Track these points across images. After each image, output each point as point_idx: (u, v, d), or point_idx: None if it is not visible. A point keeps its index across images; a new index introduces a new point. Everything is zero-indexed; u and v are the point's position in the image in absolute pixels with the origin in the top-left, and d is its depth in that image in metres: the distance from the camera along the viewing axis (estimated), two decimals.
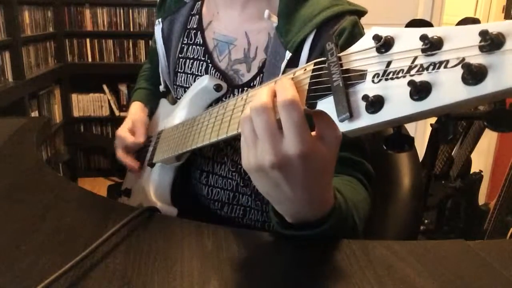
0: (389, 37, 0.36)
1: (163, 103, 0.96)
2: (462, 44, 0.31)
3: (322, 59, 0.43)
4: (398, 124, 0.37)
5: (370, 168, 0.71)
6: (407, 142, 0.38)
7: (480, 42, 0.30)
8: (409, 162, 0.91)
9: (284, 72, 0.68)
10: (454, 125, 0.35)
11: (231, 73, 0.78)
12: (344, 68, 0.40)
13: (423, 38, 0.33)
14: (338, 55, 0.41)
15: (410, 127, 2.78)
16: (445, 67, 0.32)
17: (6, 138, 0.98)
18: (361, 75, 0.38)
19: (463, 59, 0.31)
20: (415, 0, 2.86)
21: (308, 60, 0.69)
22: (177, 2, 0.88)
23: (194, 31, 0.84)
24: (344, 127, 0.39)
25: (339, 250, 0.53)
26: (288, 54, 0.70)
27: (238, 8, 0.78)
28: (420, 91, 0.33)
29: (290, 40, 0.70)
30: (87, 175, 3.18)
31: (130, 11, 3.03)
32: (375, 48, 0.37)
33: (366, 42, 0.38)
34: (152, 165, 0.84)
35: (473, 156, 1.95)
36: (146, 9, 3.05)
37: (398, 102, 0.34)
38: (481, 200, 2.10)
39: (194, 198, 0.85)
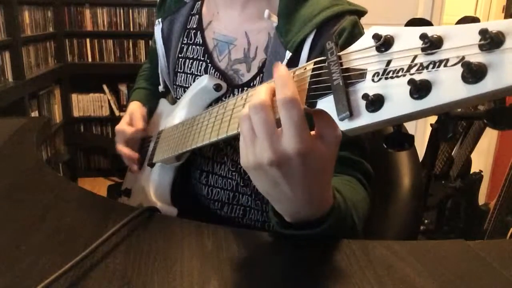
0: (388, 36, 0.36)
1: (163, 103, 0.96)
2: (462, 43, 0.31)
3: (322, 58, 0.43)
4: (398, 123, 0.37)
5: (369, 168, 0.71)
6: (407, 141, 0.38)
7: (480, 40, 0.30)
8: (409, 162, 0.91)
9: None
10: (454, 124, 0.35)
11: (231, 73, 0.78)
12: (344, 67, 0.40)
13: (423, 37, 0.33)
14: (338, 54, 0.41)
15: (410, 127, 2.79)
16: (445, 65, 0.32)
17: (6, 138, 0.98)
18: (361, 74, 0.38)
19: (463, 57, 0.31)
20: (415, 0, 2.86)
21: (308, 60, 0.69)
22: (177, 2, 0.88)
23: (194, 31, 0.84)
24: (344, 126, 0.39)
25: (339, 250, 0.53)
26: (288, 54, 0.70)
27: (238, 8, 0.78)
28: (420, 89, 0.33)
29: (290, 40, 0.70)
30: (87, 175, 3.19)
31: (130, 11, 3.04)
32: (375, 47, 0.37)
33: (366, 41, 0.38)
34: (152, 165, 0.84)
35: (473, 156, 1.95)
36: (146, 9, 3.05)
37: (398, 101, 0.34)
38: (481, 200, 2.10)
39: (194, 198, 0.85)
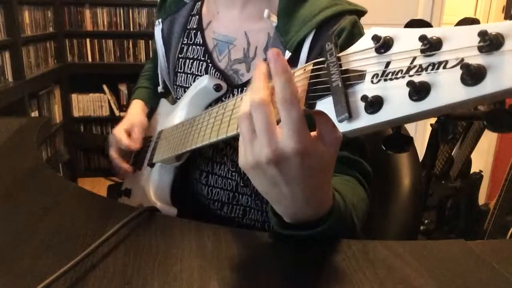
0: (388, 37, 0.36)
1: (163, 103, 0.96)
2: (461, 44, 0.31)
3: (321, 59, 0.43)
4: (397, 125, 0.37)
5: (368, 168, 0.71)
6: (406, 143, 0.38)
7: (479, 42, 0.30)
8: (409, 162, 0.91)
9: None
10: (454, 125, 0.35)
11: (230, 73, 0.78)
12: (343, 68, 0.40)
13: (422, 38, 0.33)
14: (337, 55, 0.41)
15: (410, 127, 2.79)
16: (444, 67, 0.32)
17: (6, 138, 0.98)
18: (360, 76, 0.38)
19: (462, 59, 0.31)
20: (415, 0, 2.86)
21: (307, 60, 0.69)
22: (177, 3, 0.88)
23: (194, 31, 0.84)
24: (343, 127, 0.39)
25: (339, 250, 0.53)
26: (287, 54, 0.70)
27: (238, 8, 0.78)
28: (419, 91, 0.33)
29: (289, 40, 0.70)
30: (87, 175, 3.19)
31: (130, 11, 3.04)
32: (374, 49, 0.37)
33: (365, 42, 0.38)
34: (152, 165, 0.84)
35: (473, 156, 1.95)
36: (146, 9, 3.05)
37: (397, 103, 0.34)
38: (481, 200, 2.10)
39: (194, 198, 0.85)
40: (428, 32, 0.33)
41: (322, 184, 0.48)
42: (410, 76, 0.34)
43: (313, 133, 0.45)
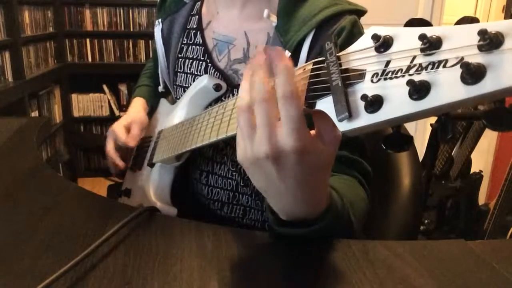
0: (388, 36, 0.36)
1: (163, 102, 0.96)
2: (461, 43, 0.31)
3: (321, 58, 0.43)
4: (397, 124, 0.37)
5: (368, 168, 0.71)
6: (406, 142, 0.38)
7: (479, 41, 0.30)
8: (409, 162, 0.91)
9: None
10: (454, 124, 0.35)
11: (230, 72, 0.78)
12: (343, 67, 0.40)
13: (422, 37, 0.33)
14: (337, 54, 0.41)
15: (410, 127, 2.79)
16: (444, 66, 0.32)
17: (6, 138, 0.98)
18: (360, 75, 0.38)
19: (462, 58, 0.31)
20: (415, 0, 2.86)
21: (307, 60, 0.69)
22: (176, 3, 0.89)
23: (194, 31, 0.84)
24: (343, 126, 0.39)
25: (339, 250, 0.53)
26: (287, 54, 0.70)
27: (238, 8, 0.78)
28: (419, 90, 0.33)
29: (289, 40, 0.70)
30: (87, 175, 3.19)
31: (130, 11, 3.04)
32: (374, 48, 0.37)
33: (365, 41, 0.38)
34: (152, 165, 0.84)
35: (473, 156, 1.95)
36: (146, 9, 3.05)
37: (397, 102, 0.34)
38: (481, 200, 2.10)
39: (194, 198, 0.85)
40: (428, 31, 0.33)
41: (320, 183, 0.48)
42: (410, 75, 0.34)
43: (312, 132, 0.45)
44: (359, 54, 0.39)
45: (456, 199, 1.95)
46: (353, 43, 0.40)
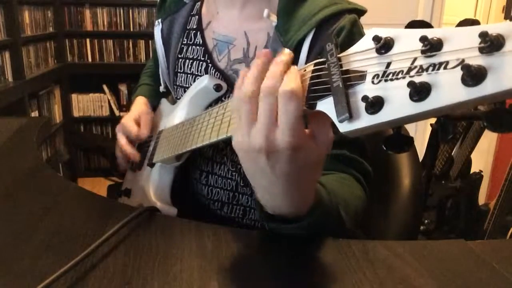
0: (389, 38, 0.36)
1: (163, 103, 0.96)
2: (461, 45, 0.31)
3: (322, 59, 0.43)
4: (398, 125, 0.37)
5: (368, 167, 0.71)
6: (407, 143, 0.38)
7: (480, 43, 0.30)
8: (409, 162, 0.91)
9: None
10: (454, 125, 0.35)
11: (230, 73, 0.78)
12: (344, 69, 0.40)
13: (423, 39, 0.33)
14: (338, 56, 0.41)
15: (410, 127, 2.79)
16: (445, 68, 0.32)
17: (6, 138, 0.98)
18: (361, 76, 0.38)
19: (463, 60, 0.31)
20: (415, 0, 2.86)
21: (307, 59, 0.69)
22: (176, 3, 0.88)
23: (194, 31, 0.84)
24: (343, 127, 0.39)
25: (339, 250, 0.53)
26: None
27: (238, 8, 0.78)
28: (419, 92, 0.33)
29: (289, 39, 0.70)
30: (87, 175, 3.19)
31: (130, 11, 3.04)
32: (374, 49, 0.37)
33: (365, 43, 0.38)
34: (152, 165, 0.84)
35: (473, 156, 1.96)
36: (146, 9, 3.05)
37: (398, 103, 0.34)
38: (481, 200, 2.10)
39: (194, 198, 0.85)
40: (429, 33, 0.33)
41: (308, 180, 0.49)
42: (411, 76, 0.34)
43: (306, 131, 0.45)
44: (360, 55, 0.39)
45: (456, 199, 1.95)
46: (353, 42, 0.40)
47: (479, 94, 0.30)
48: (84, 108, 3.14)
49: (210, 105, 0.78)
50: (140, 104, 0.95)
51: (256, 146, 0.44)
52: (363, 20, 0.74)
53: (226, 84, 0.77)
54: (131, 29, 3.07)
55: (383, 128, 0.37)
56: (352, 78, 0.38)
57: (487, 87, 0.29)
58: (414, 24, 0.36)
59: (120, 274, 0.48)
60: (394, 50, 0.36)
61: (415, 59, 0.34)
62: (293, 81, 0.42)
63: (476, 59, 0.30)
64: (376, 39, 0.37)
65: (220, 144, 0.79)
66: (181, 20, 0.87)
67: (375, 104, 0.35)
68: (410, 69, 0.34)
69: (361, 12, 0.73)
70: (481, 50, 0.30)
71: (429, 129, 1.53)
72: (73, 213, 0.64)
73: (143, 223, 0.60)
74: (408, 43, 0.35)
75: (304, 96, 0.44)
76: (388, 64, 0.36)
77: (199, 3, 0.86)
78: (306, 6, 0.72)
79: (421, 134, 2.89)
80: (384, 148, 0.38)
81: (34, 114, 2.56)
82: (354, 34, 0.69)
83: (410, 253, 0.52)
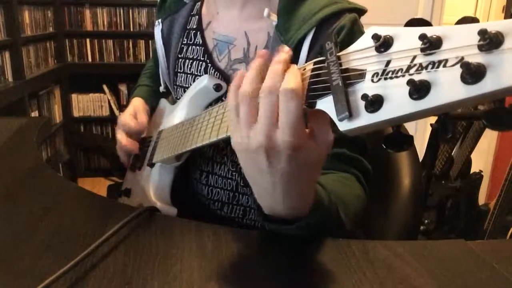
0: (388, 36, 0.36)
1: (163, 103, 0.96)
2: (461, 43, 0.31)
3: (322, 58, 0.43)
4: (398, 123, 0.37)
5: (368, 166, 0.71)
6: (406, 141, 0.38)
7: (479, 41, 0.30)
8: (409, 162, 0.91)
9: None
10: (453, 124, 0.35)
11: (230, 72, 0.78)
12: (343, 67, 0.40)
13: (422, 37, 0.33)
14: (337, 54, 0.41)
15: (410, 127, 2.79)
16: (444, 66, 0.32)
17: (6, 138, 0.98)
18: (361, 75, 0.38)
19: (462, 58, 0.31)
20: (415, 0, 2.86)
21: (307, 58, 0.69)
22: (176, 3, 0.89)
23: (194, 31, 0.84)
24: (343, 126, 0.39)
25: (339, 250, 0.53)
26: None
27: (238, 8, 0.78)
28: (419, 90, 0.33)
29: (289, 39, 0.70)
30: (87, 175, 3.19)
31: (130, 11, 3.04)
32: (374, 48, 0.37)
33: (365, 41, 0.38)
34: (152, 165, 0.84)
35: (473, 156, 1.95)
36: (146, 9, 3.05)
37: (398, 101, 0.34)
38: (481, 200, 2.10)
39: (194, 198, 0.85)
40: (428, 31, 0.33)
41: (307, 182, 0.49)
42: (410, 74, 0.34)
43: (306, 130, 0.45)
44: (360, 54, 0.39)
45: (456, 199, 1.95)
46: (353, 41, 0.40)
47: (478, 92, 0.30)
48: (84, 108, 3.14)
49: (210, 105, 0.78)
50: (136, 102, 0.95)
51: (257, 146, 0.44)
52: (363, 20, 0.74)
53: (226, 84, 0.77)
54: (131, 29, 3.07)
55: (383, 126, 0.37)
56: (351, 77, 0.38)
57: (487, 85, 0.29)
58: (413, 22, 0.36)
59: (120, 274, 0.48)
60: (394, 48, 0.36)
61: (414, 57, 0.34)
62: (293, 79, 0.42)
63: (475, 57, 0.30)
64: (376, 37, 0.37)
65: (220, 144, 0.79)
66: (181, 20, 0.87)
67: (374, 103, 0.35)
68: (409, 67, 0.34)
69: (361, 11, 0.73)
70: (480, 47, 0.30)
71: (429, 129, 1.53)
72: (73, 213, 0.64)
73: (143, 223, 0.60)
74: (407, 41, 0.35)
75: (304, 95, 0.44)
76: (388, 63, 0.36)
77: (199, 3, 0.86)
78: (307, 5, 0.72)
79: (421, 134, 2.89)
80: (384, 147, 0.38)
81: (34, 114, 2.56)
82: (354, 33, 0.69)
83: (410, 253, 0.52)
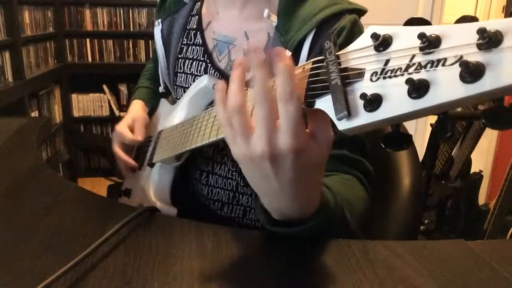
0: (387, 35, 0.36)
1: (163, 103, 0.96)
2: (460, 42, 0.31)
3: (320, 57, 0.43)
4: (397, 122, 0.37)
5: (369, 167, 0.71)
6: (406, 141, 0.38)
7: (478, 40, 0.30)
8: (409, 162, 0.91)
9: None
10: (452, 123, 0.35)
11: (230, 72, 0.78)
12: (342, 66, 0.40)
13: (421, 36, 0.33)
14: (336, 53, 0.41)
15: (410, 127, 2.79)
16: (443, 65, 0.32)
17: (6, 138, 0.98)
18: (359, 74, 0.38)
19: (461, 57, 0.31)
20: (415, 0, 2.86)
21: (307, 59, 0.69)
22: (176, 3, 0.89)
23: (194, 31, 0.84)
24: (342, 125, 0.39)
25: (339, 250, 0.53)
26: (287, 54, 0.70)
27: (238, 8, 0.78)
28: (418, 89, 0.33)
29: (289, 39, 0.70)
30: (87, 175, 3.19)
31: (130, 11, 3.04)
32: (373, 47, 0.37)
33: (364, 40, 0.38)
34: (152, 165, 0.84)
35: (473, 156, 1.95)
36: (146, 9, 3.05)
37: (396, 100, 0.34)
38: (481, 200, 2.10)
39: (194, 198, 0.85)
40: (427, 30, 0.33)
41: (312, 183, 0.48)
42: (409, 73, 0.34)
43: (306, 131, 0.45)
44: (358, 53, 0.39)
45: (456, 199, 1.95)
46: (353, 42, 0.40)
47: (477, 91, 0.30)
48: (84, 108, 3.14)
49: (210, 105, 0.78)
50: (136, 109, 0.95)
51: (258, 153, 0.43)
52: (363, 20, 0.74)
53: (226, 84, 0.77)
54: (131, 29, 3.07)
55: (381, 125, 0.37)
56: (350, 76, 0.38)
57: (486, 84, 0.29)
58: (412, 21, 0.36)
59: (120, 274, 0.48)
60: (393, 47, 0.36)
61: (413, 56, 0.34)
62: (288, 81, 0.41)
63: (474, 56, 0.30)
64: (375, 36, 0.37)
65: (220, 144, 0.79)
66: (181, 20, 0.87)
67: (373, 102, 0.35)
68: (408, 66, 0.34)
69: (361, 12, 0.73)
70: (479, 46, 0.30)
71: (429, 128, 1.53)
72: (73, 213, 0.64)
73: (143, 223, 0.60)
74: (406, 40, 0.35)
75: (302, 95, 0.44)
76: (387, 62, 0.36)
77: (199, 3, 0.86)
78: (307, 6, 0.72)
79: (421, 134, 2.89)
80: (383, 146, 0.38)
81: (34, 114, 2.56)
82: (355, 34, 0.69)
83: (410, 253, 0.52)
